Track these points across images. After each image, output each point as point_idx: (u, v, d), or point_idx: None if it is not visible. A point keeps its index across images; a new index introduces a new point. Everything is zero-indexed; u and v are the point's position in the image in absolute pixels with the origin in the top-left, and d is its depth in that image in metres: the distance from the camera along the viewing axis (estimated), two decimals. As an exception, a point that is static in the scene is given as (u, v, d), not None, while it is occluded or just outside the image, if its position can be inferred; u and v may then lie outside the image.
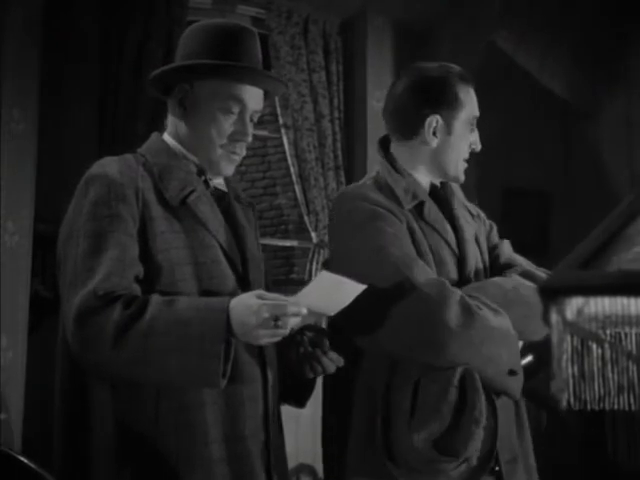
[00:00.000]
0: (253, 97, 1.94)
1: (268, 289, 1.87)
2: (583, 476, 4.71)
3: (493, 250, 2.29)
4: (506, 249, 2.31)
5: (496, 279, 2.14)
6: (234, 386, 1.80)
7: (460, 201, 2.26)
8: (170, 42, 3.85)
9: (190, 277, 1.81)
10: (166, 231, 1.82)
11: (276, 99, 4.56)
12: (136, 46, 3.97)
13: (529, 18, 4.86)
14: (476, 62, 4.76)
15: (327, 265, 2.13)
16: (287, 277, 6.03)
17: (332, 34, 4.68)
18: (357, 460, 2.01)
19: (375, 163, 2.24)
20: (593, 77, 5.08)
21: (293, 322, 1.68)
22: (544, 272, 2.18)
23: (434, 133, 2.13)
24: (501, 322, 2.00)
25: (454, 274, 2.11)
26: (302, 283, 1.80)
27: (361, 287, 1.78)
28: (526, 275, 2.18)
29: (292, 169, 4.53)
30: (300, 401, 2.06)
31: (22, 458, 2.50)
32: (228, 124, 1.91)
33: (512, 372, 2.03)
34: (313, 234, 4.52)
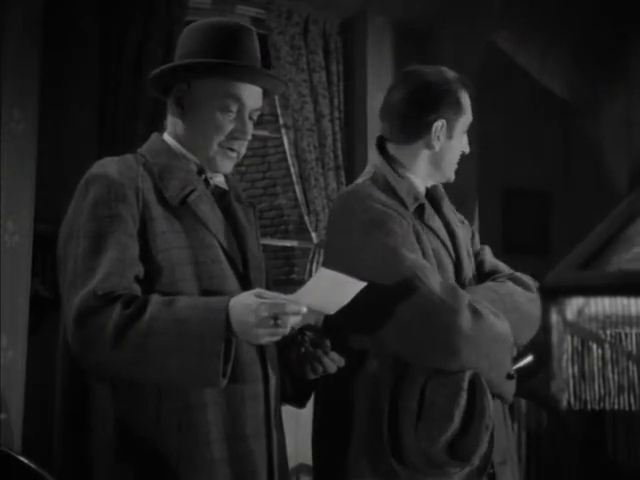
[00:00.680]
0: (251, 95, 1.94)
1: (269, 289, 1.87)
2: (583, 476, 4.71)
3: (477, 256, 2.32)
4: (488, 255, 2.36)
5: (490, 284, 2.17)
6: (235, 386, 1.80)
7: (449, 205, 2.27)
8: (170, 42, 3.85)
9: (191, 277, 1.81)
10: (166, 231, 1.82)
11: (276, 99, 4.56)
12: (136, 46, 3.97)
13: (529, 18, 4.86)
14: (476, 62, 4.77)
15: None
16: (287, 277, 6.03)
17: (332, 34, 4.68)
18: (360, 461, 2.00)
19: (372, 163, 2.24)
20: (593, 77, 5.08)
21: (293, 321, 1.68)
22: (527, 277, 2.21)
23: (438, 137, 2.16)
24: (504, 327, 2.03)
25: (452, 279, 2.13)
26: (302, 283, 1.79)
27: (361, 284, 1.77)
28: (515, 280, 2.20)
29: (292, 169, 4.53)
30: (300, 401, 2.06)
31: (22, 458, 2.49)
32: (227, 122, 1.91)
33: (510, 376, 2.08)
34: (313, 234, 4.52)
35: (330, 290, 1.74)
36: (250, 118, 1.95)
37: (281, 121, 4.58)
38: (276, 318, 1.65)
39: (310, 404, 2.09)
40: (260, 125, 5.65)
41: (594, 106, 5.15)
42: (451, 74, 2.19)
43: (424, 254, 2.06)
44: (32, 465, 2.43)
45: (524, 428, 3.71)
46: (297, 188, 4.53)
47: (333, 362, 1.91)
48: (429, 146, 2.16)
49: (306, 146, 4.48)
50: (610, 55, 4.94)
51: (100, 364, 1.72)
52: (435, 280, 1.99)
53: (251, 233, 2.00)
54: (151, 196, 1.84)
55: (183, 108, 1.94)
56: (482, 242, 2.45)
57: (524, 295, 2.14)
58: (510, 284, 2.17)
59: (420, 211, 2.13)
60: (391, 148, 2.20)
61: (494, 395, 2.05)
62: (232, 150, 1.93)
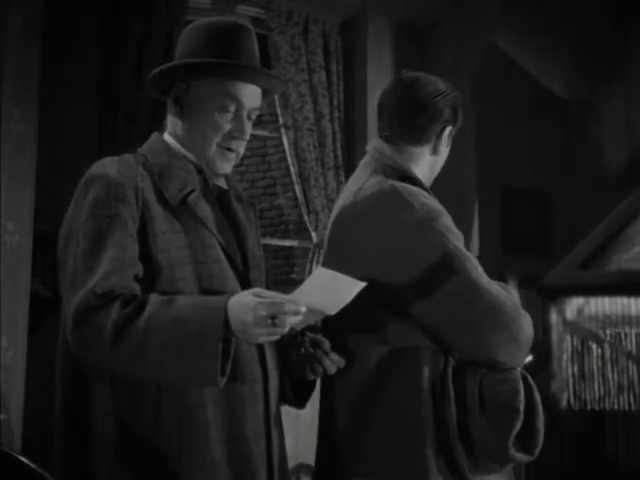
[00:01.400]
0: (250, 95, 1.94)
1: (269, 289, 1.87)
2: (583, 476, 4.70)
3: None
4: None
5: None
6: (235, 386, 1.80)
7: None
8: (170, 42, 3.85)
9: (190, 276, 1.81)
10: (166, 231, 1.82)
11: (276, 99, 4.56)
12: (136, 46, 3.97)
13: (529, 18, 4.86)
14: (476, 62, 4.77)
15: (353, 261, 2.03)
16: (287, 277, 6.03)
17: (332, 34, 4.68)
18: (427, 460, 1.98)
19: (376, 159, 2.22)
20: (593, 77, 5.08)
21: (293, 320, 1.67)
22: None
23: (447, 144, 2.21)
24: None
25: None
26: (302, 283, 1.79)
27: (361, 284, 1.76)
28: None
29: (292, 169, 4.53)
30: (300, 402, 2.06)
31: (22, 458, 2.50)
32: (225, 122, 1.91)
33: None
34: (313, 234, 4.52)
35: (329, 290, 1.73)
36: (249, 118, 1.95)
37: (281, 121, 4.58)
38: (274, 317, 1.65)
39: (310, 404, 2.08)
40: (260, 125, 5.65)
41: (594, 106, 5.16)
42: (450, 82, 2.22)
43: None
44: (32, 465, 2.43)
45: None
46: (297, 188, 4.53)
47: (333, 363, 1.91)
48: (435, 152, 2.18)
49: (306, 146, 4.48)
50: (610, 55, 4.94)
51: (99, 363, 1.72)
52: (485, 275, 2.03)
53: (251, 233, 2.00)
54: (151, 196, 1.84)
55: (182, 108, 1.94)
56: (482, 242, 2.46)
57: None
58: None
59: None
60: (390, 149, 2.17)
61: None
62: (230, 150, 1.93)
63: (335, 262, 1.93)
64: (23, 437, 3.45)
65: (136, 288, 1.76)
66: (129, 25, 3.98)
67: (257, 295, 1.68)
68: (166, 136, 1.98)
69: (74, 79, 3.98)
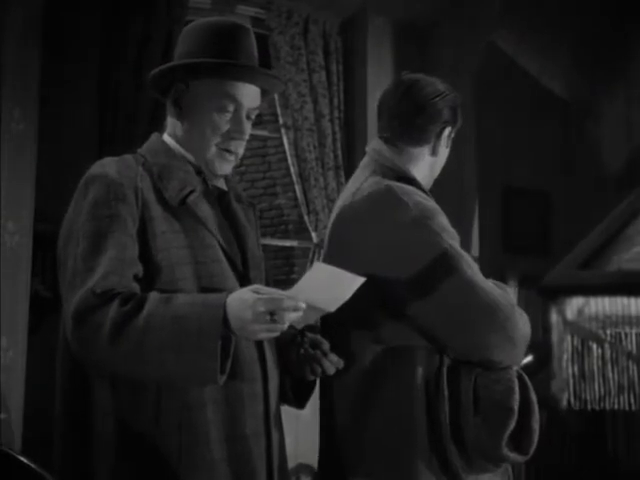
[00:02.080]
0: (249, 95, 1.94)
1: (269, 288, 1.87)
2: (583, 475, 4.71)
3: None
4: None
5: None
6: (234, 385, 1.80)
7: None
8: (170, 42, 3.85)
9: (190, 276, 1.81)
10: (166, 231, 1.82)
11: (276, 99, 4.57)
12: (136, 46, 3.97)
13: (529, 18, 4.86)
14: (476, 62, 4.77)
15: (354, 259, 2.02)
16: (287, 277, 6.03)
17: (332, 34, 4.68)
18: (419, 462, 1.99)
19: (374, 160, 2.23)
20: (593, 77, 5.08)
21: (293, 317, 1.67)
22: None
23: (445, 145, 2.21)
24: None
25: None
26: (302, 283, 1.78)
27: (361, 279, 1.75)
28: None
29: (292, 169, 4.53)
30: (300, 402, 2.06)
31: (22, 458, 2.50)
32: (224, 122, 1.91)
33: None
34: (313, 234, 4.52)
35: (328, 286, 1.72)
36: (248, 118, 1.95)
37: (281, 121, 4.58)
38: (273, 314, 1.65)
39: (310, 404, 2.08)
40: (260, 125, 5.65)
41: (594, 106, 5.16)
42: (448, 84, 2.23)
43: None
44: (32, 465, 2.43)
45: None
46: (297, 188, 4.53)
47: (332, 364, 1.91)
48: (435, 153, 2.19)
49: (306, 146, 4.48)
50: (610, 55, 4.94)
51: (99, 362, 1.72)
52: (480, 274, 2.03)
53: (251, 233, 2.00)
54: (150, 196, 1.84)
55: (181, 109, 1.94)
56: (482, 242, 2.47)
57: None
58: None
59: None
60: (390, 149, 2.18)
61: None
62: (229, 152, 1.93)
63: (335, 262, 1.94)
64: (23, 437, 3.46)
65: (136, 288, 1.76)
66: (129, 25, 3.98)
67: (256, 292, 1.68)
68: (165, 137, 1.98)
69: (74, 79, 3.98)
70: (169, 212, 1.85)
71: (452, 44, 4.84)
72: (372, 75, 4.72)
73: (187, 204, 1.87)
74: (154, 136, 2.00)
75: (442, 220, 2.04)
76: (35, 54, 3.63)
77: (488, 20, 4.77)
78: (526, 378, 2.04)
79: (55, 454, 1.86)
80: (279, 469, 1.90)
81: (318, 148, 4.53)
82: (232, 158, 1.94)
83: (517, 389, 1.99)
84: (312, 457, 2.19)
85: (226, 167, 1.95)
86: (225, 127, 1.91)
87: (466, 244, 4.48)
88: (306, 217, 4.52)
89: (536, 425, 2.01)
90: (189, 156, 1.94)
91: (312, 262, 4.54)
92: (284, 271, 6.08)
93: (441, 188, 2.34)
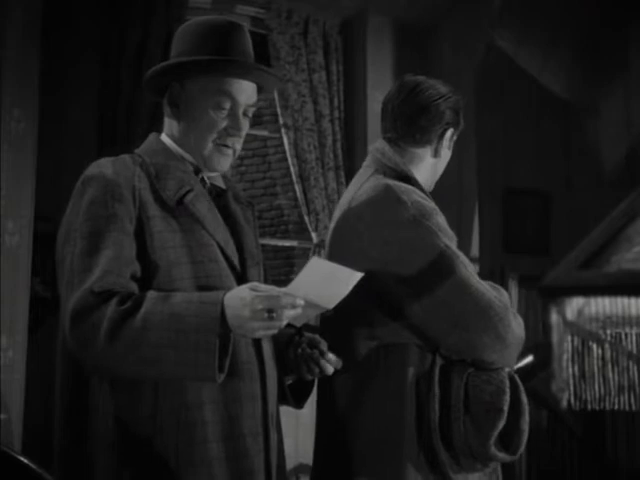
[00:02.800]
0: (244, 91, 1.93)
1: (268, 289, 1.86)
2: (583, 476, 4.71)
3: None
4: None
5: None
6: (233, 385, 1.80)
7: None
8: (170, 42, 3.84)
9: (188, 276, 1.81)
10: (163, 230, 1.82)
11: (276, 99, 4.57)
12: (136, 46, 3.97)
13: (529, 18, 4.86)
14: (476, 62, 4.77)
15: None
16: (287, 277, 6.03)
17: (332, 34, 4.68)
18: (409, 458, 2.01)
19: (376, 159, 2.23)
20: (593, 77, 5.08)
21: (291, 314, 1.67)
22: None
23: (448, 146, 2.24)
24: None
25: None
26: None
27: (358, 274, 1.74)
28: None
29: (292, 169, 4.54)
30: (298, 402, 2.06)
31: (22, 458, 2.50)
32: (220, 119, 1.91)
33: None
34: (313, 234, 4.52)
35: (326, 282, 1.71)
36: (245, 114, 1.95)
37: (281, 121, 4.58)
38: (271, 311, 1.65)
39: (309, 404, 2.08)
40: (260, 125, 5.65)
41: (594, 106, 5.15)
42: (451, 86, 2.26)
43: None
44: (32, 465, 2.44)
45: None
46: (297, 188, 4.53)
47: (330, 363, 1.91)
48: (437, 154, 2.21)
49: (306, 146, 4.48)
50: (610, 55, 4.94)
51: (97, 360, 1.72)
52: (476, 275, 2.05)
53: (249, 232, 2.00)
54: (148, 196, 1.84)
55: (178, 108, 1.94)
56: (482, 242, 2.47)
57: None
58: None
59: None
60: (391, 149, 2.19)
61: None
62: (227, 147, 1.93)
63: (337, 261, 1.95)
64: (23, 437, 3.46)
65: (133, 287, 1.76)
66: (129, 25, 3.99)
67: (253, 289, 1.68)
68: (163, 137, 1.98)
69: (74, 79, 3.99)
70: (167, 212, 1.85)
71: (452, 44, 4.84)
72: (372, 75, 4.72)
73: (184, 203, 1.86)
74: (152, 136, 2.01)
75: (440, 220, 2.05)
76: (35, 54, 3.63)
77: (488, 20, 4.77)
78: (517, 379, 2.06)
79: (55, 454, 1.86)
80: (277, 469, 1.90)
81: (318, 148, 4.53)
82: (230, 153, 1.94)
83: (508, 390, 2.01)
84: (312, 457, 2.19)
85: (224, 163, 1.94)
86: (222, 124, 1.91)
87: (466, 244, 4.48)
88: (306, 217, 4.52)
89: (525, 426, 2.02)
90: (187, 155, 1.94)
91: (312, 262, 4.54)
92: (284, 271, 6.08)
93: (442, 188, 2.34)
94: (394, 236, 2.02)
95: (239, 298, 1.67)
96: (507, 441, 2.01)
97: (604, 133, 5.14)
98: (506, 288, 2.87)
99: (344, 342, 2.05)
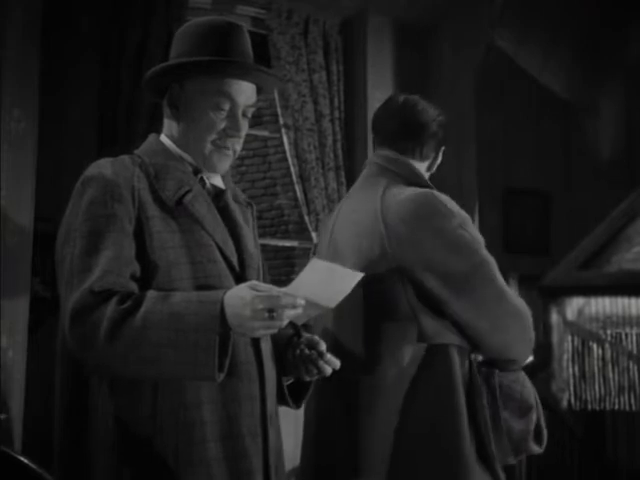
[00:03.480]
0: (243, 92, 1.93)
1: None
2: (583, 476, 4.71)
3: None
4: None
5: None
6: (231, 385, 1.80)
7: None
8: (170, 42, 3.84)
9: (187, 276, 1.81)
10: (163, 230, 1.82)
11: (276, 99, 4.57)
12: (136, 46, 3.97)
13: (529, 18, 4.86)
14: (476, 62, 4.77)
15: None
16: (287, 277, 6.03)
17: (332, 34, 4.68)
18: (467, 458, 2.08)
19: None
20: (593, 77, 5.08)
21: (291, 314, 1.67)
22: None
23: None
24: None
25: None
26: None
27: (359, 275, 1.75)
28: None
29: (292, 169, 4.53)
30: (297, 402, 2.06)
31: (22, 458, 2.50)
32: (219, 121, 1.91)
33: None
34: (313, 234, 4.52)
35: (326, 282, 1.72)
36: (244, 115, 1.95)
37: (281, 121, 4.58)
38: (271, 311, 1.65)
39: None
40: (260, 125, 5.65)
41: (594, 106, 5.16)
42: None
43: None
44: (32, 465, 2.44)
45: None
46: (297, 188, 4.53)
47: (328, 364, 1.91)
48: (431, 168, 2.37)
49: (306, 146, 4.48)
50: (610, 55, 4.94)
51: (97, 360, 1.72)
52: None
53: (248, 233, 2.00)
54: (147, 196, 1.84)
55: (177, 109, 1.94)
56: (482, 242, 2.50)
57: None
58: None
59: None
60: (392, 160, 2.28)
61: None
62: (227, 148, 1.93)
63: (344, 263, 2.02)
64: (23, 437, 3.45)
65: (133, 287, 1.76)
66: (129, 25, 3.98)
67: (253, 288, 1.68)
68: (163, 137, 1.98)
69: (74, 79, 3.98)
70: (166, 212, 1.85)
71: (452, 44, 4.84)
72: (372, 75, 4.72)
73: (184, 204, 1.87)
74: (151, 137, 2.01)
75: (474, 229, 2.20)
76: (35, 54, 3.63)
77: (488, 20, 4.77)
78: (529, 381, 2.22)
79: (55, 454, 1.86)
80: (276, 469, 1.90)
81: (318, 148, 4.53)
82: (229, 153, 1.94)
83: (532, 388, 2.18)
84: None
85: (224, 163, 1.95)
86: (221, 125, 1.91)
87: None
88: (306, 217, 4.52)
89: (543, 422, 2.20)
90: (186, 156, 1.94)
91: (312, 262, 4.54)
92: (284, 271, 6.08)
93: (442, 188, 2.35)
94: (442, 243, 2.12)
95: (239, 297, 1.68)
96: (536, 434, 2.18)
97: (604, 133, 5.14)
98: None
99: (381, 345, 2.12)
